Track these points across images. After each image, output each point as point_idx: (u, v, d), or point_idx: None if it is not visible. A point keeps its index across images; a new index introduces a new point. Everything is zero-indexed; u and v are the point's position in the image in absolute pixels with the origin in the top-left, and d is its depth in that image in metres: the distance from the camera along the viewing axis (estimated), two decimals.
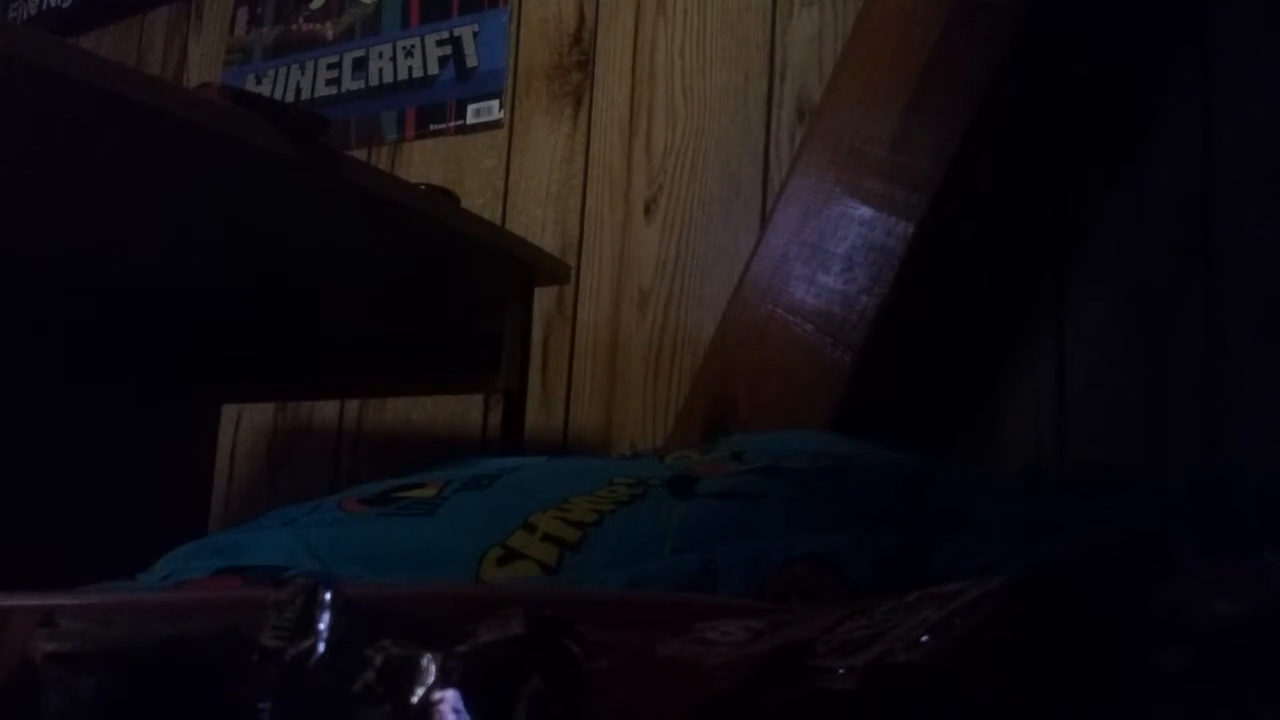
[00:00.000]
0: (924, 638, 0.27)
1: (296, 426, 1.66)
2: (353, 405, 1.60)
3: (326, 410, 1.62)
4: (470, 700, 0.23)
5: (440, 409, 1.52)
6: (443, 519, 0.60)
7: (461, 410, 1.50)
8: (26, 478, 1.14)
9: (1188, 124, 1.10)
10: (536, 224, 1.46)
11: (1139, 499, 0.59)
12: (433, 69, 1.62)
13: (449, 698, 0.23)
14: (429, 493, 0.63)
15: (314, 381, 1.42)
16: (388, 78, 1.67)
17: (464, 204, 1.19)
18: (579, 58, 1.48)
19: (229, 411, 1.67)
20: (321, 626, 0.26)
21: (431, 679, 0.23)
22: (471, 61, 1.58)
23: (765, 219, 1.23)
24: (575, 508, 0.57)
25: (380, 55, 1.68)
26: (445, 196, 1.15)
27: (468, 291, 1.19)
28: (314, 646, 0.25)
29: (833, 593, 0.47)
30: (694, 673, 0.29)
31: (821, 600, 0.45)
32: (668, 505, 0.58)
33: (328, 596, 0.26)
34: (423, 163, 1.60)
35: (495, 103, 1.54)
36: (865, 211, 1.06)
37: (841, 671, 0.27)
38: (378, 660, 0.24)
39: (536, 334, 1.35)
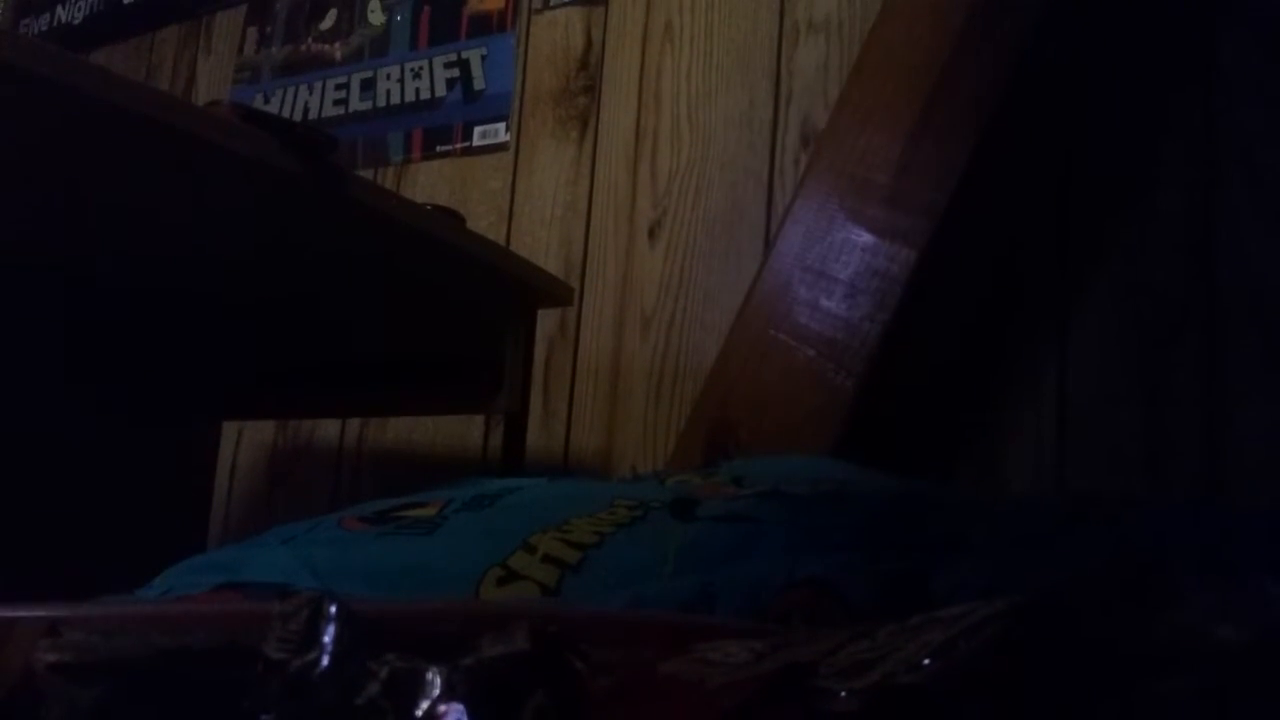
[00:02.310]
0: (926, 660, 0.27)
1: (297, 445, 1.66)
2: (354, 424, 1.60)
3: (327, 429, 1.62)
4: (475, 714, 0.23)
5: (441, 429, 1.52)
6: (443, 539, 0.60)
7: (462, 431, 1.50)
8: (28, 493, 1.14)
9: (1191, 152, 1.11)
10: (541, 246, 1.47)
11: (1140, 527, 0.59)
12: (440, 91, 1.63)
13: (453, 711, 0.23)
14: (429, 512, 0.63)
15: (315, 400, 1.42)
16: (395, 99, 1.68)
17: (469, 225, 1.20)
18: (585, 82, 1.49)
19: (229, 429, 1.67)
20: (326, 639, 0.26)
21: (436, 692, 0.23)
22: (479, 84, 1.59)
23: (769, 244, 1.24)
24: (576, 529, 0.57)
25: (388, 76, 1.69)
26: (450, 217, 1.15)
27: (471, 312, 1.19)
28: (318, 659, 0.25)
29: (833, 616, 0.47)
30: (697, 692, 0.29)
31: (822, 624, 0.45)
32: (668, 528, 0.58)
33: (333, 609, 0.26)
34: (428, 183, 1.60)
35: (502, 125, 1.55)
36: (869, 238, 1.07)
37: (844, 693, 0.27)
38: (382, 673, 0.24)
39: (539, 355, 1.35)
